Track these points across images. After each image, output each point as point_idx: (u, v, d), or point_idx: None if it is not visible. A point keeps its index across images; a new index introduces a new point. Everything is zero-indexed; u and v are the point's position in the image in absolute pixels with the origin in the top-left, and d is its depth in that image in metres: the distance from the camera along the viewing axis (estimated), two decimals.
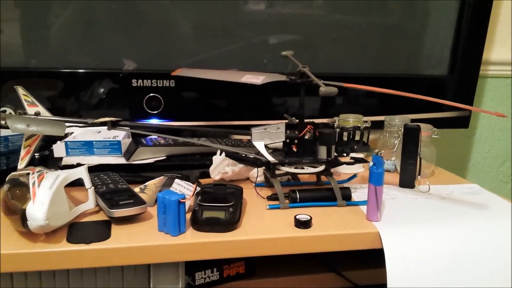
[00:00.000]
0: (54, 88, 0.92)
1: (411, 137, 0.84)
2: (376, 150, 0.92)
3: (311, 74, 0.74)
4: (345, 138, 0.79)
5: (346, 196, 0.77)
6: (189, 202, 0.70)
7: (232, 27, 0.98)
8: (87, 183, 0.69)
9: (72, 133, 0.88)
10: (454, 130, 1.30)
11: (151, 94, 0.96)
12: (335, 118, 0.97)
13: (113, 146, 0.86)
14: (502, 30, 1.26)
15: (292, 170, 0.77)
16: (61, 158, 0.85)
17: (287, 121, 0.79)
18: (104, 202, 0.68)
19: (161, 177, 0.80)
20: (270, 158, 0.75)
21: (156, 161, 0.86)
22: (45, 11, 0.90)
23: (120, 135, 0.88)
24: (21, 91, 0.75)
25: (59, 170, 0.68)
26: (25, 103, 0.74)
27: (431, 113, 1.09)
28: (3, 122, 0.69)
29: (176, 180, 0.76)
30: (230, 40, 0.99)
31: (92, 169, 0.79)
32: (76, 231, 0.64)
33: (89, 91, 0.93)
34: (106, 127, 0.74)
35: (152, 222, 0.68)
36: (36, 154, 0.87)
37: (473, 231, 0.70)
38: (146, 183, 0.79)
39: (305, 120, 0.78)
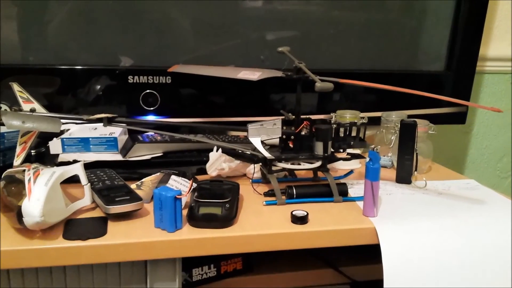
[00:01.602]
0: (51, 85, 0.92)
1: (407, 133, 0.84)
2: (373, 146, 0.92)
3: (307, 70, 0.74)
4: (341, 134, 0.79)
5: (343, 191, 0.77)
6: (185, 198, 0.70)
7: (229, 23, 0.98)
8: (83, 179, 0.69)
9: (68, 129, 0.88)
10: (451, 126, 1.30)
11: (148, 91, 0.95)
12: (332, 114, 0.97)
13: (110, 143, 0.86)
14: (500, 26, 1.26)
15: (288, 166, 0.77)
16: (57, 155, 0.84)
17: (283, 117, 0.79)
18: (100, 199, 0.68)
19: (158, 174, 0.80)
20: (267, 154, 0.75)
21: (152, 158, 0.86)
22: (42, 8, 0.90)
23: (117, 131, 0.88)
24: (16, 87, 0.75)
25: (55, 167, 0.68)
26: (20, 100, 0.74)
27: (428, 109, 1.09)
28: None
29: (173, 177, 0.76)
30: (227, 36, 0.98)
31: (88, 166, 0.78)
32: (73, 227, 0.64)
33: (86, 88, 0.93)
34: (102, 124, 0.74)
35: (149, 219, 0.67)
36: (32, 150, 0.87)
37: (470, 226, 0.70)
38: (143, 180, 0.79)
39: (302, 116, 0.78)
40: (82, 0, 0.90)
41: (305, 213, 0.68)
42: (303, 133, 0.78)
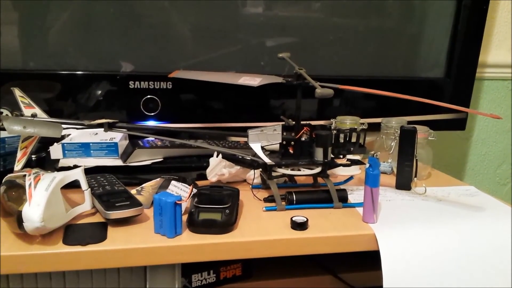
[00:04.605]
0: (52, 90, 0.92)
1: (407, 139, 0.84)
2: (373, 152, 0.92)
3: (307, 76, 0.74)
4: (341, 140, 0.79)
5: (343, 198, 0.77)
6: (185, 204, 0.70)
7: (230, 29, 0.99)
8: (84, 185, 0.69)
9: (69, 135, 0.89)
10: (451, 132, 1.31)
11: (148, 96, 0.96)
12: (332, 120, 0.97)
13: (110, 148, 0.86)
14: (499, 33, 1.27)
15: (288, 172, 0.77)
16: (58, 160, 0.85)
17: (283, 123, 0.79)
18: (100, 204, 0.68)
19: (158, 179, 0.80)
20: (267, 160, 0.75)
21: (153, 163, 0.86)
22: (43, 13, 0.90)
23: (117, 137, 0.88)
24: (17, 92, 0.75)
25: (55, 172, 0.68)
26: (21, 105, 0.74)
27: (427, 115, 1.09)
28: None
29: (173, 182, 0.76)
30: (227, 42, 0.99)
31: (88, 171, 0.79)
32: (72, 232, 0.64)
33: (86, 93, 0.93)
34: (103, 129, 0.74)
35: (149, 224, 0.68)
36: (33, 155, 0.88)
37: (469, 233, 0.70)
38: (143, 185, 0.79)
39: (302, 122, 0.78)
40: (83, 6, 0.91)
41: (305, 219, 0.68)
42: (303, 139, 0.78)
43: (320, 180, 0.84)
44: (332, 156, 0.78)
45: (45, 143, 0.83)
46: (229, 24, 0.98)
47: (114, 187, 0.73)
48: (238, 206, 0.72)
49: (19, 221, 0.59)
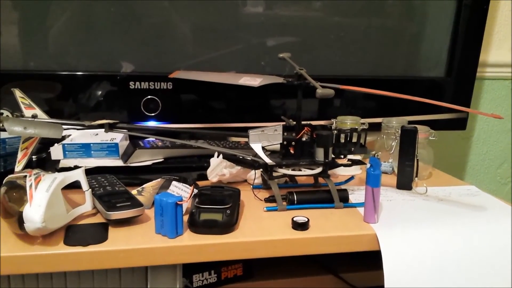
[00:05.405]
0: (52, 91, 0.92)
1: (408, 139, 0.84)
2: (373, 152, 0.92)
3: (308, 76, 0.74)
4: (342, 140, 0.79)
5: (344, 198, 0.77)
6: (186, 204, 0.70)
7: (230, 29, 0.99)
8: (84, 185, 0.69)
9: (70, 135, 0.89)
10: (451, 132, 1.31)
11: (149, 97, 0.96)
12: (332, 120, 0.97)
13: (111, 149, 0.86)
14: (500, 32, 1.27)
15: (289, 172, 0.77)
16: (58, 161, 0.85)
17: (284, 123, 0.79)
18: (101, 205, 0.68)
19: (159, 179, 0.80)
20: (268, 160, 0.75)
21: (153, 164, 0.86)
22: (43, 13, 0.90)
23: (118, 137, 0.88)
24: (18, 93, 0.75)
25: (56, 173, 0.68)
26: (22, 106, 0.74)
27: (428, 115, 1.09)
28: (0, 124, 0.69)
29: (174, 182, 0.76)
30: (228, 42, 0.99)
31: (89, 172, 0.79)
32: (73, 233, 0.64)
33: (87, 94, 0.93)
34: (103, 130, 0.74)
35: (150, 225, 0.68)
36: (33, 156, 0.88)
37: (470, 232, 0.70)
38: (144, 185, 0.79)
39: (303, 122, 0.78)
40: (83, 6, 0.91)
41: (306, 219, 0.68)
42: (304, 139, 0.78)
43: (321, 180, 0.84)
44: (333, 156, 0.78)
45: (45, 144, 0.83)
46: (229, 24, 0.98)
47: (115, 188, 0.73)
48: (239, 206, 0.72)
49: (20, 221, 0.59)
